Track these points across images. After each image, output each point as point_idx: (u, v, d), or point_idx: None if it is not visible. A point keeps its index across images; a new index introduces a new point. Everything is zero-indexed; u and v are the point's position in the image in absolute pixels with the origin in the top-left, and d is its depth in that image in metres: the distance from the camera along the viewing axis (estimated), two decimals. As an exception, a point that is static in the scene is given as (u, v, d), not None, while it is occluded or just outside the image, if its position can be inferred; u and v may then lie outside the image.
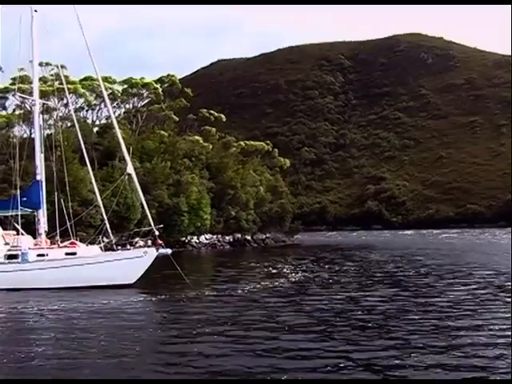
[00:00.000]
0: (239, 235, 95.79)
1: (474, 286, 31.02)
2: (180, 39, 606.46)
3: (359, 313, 23.13)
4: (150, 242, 35.59)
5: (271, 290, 31.57)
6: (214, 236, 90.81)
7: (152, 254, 34.20)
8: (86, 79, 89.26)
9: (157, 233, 34.73)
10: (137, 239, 37.06)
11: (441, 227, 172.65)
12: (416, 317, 21.75)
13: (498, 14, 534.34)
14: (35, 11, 37.87)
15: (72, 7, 37.16)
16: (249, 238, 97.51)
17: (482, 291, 29.04)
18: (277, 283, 34.35)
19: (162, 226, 36.94)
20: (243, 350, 16.98)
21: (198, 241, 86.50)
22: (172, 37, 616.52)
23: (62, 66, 44.15)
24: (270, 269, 45.72)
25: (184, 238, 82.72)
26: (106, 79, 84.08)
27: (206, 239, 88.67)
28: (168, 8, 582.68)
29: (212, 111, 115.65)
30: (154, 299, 29.56)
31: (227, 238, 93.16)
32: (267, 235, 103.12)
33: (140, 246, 35.23)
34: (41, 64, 64.46)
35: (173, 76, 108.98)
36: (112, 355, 16.38)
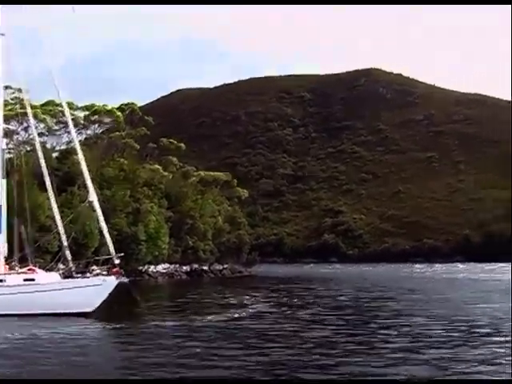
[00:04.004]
0: (196, 265, 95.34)
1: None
2: (141, 66, 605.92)
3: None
4: (105, 271, 35.23)
5: (228, 321, 31.55)
6: (172, 266, 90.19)
7: (112, 282, 33.92)
8: (47, 104, 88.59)
9: (117, 261, 34.49)
10: (93, 267, 36.73)
11: (397, 261, 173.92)
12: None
13: (458, 53, 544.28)
14: (2, 35, 37.60)
15: (36, 30, 37.01)
16: (206, 268, 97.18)
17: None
18: (236, 315, 34.31)
19: (122, 254, 36.65)
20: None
21: (155, 270, 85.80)
22: (133, 64, 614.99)
23: (25, 90, 43.52)
24: (228, 300, 45.69)
25: (141, 267, 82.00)
26: (68, 105, 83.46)
27: (164, 269, 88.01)
28: (130, 33, 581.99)
29: (172, 140, 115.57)
30: (111, 328, 29.33)
31: (184, 267, 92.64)
32: (224, 266, 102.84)
33: (99, 274, 34.89)
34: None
35: (133, 104, 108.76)
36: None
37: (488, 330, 28.05)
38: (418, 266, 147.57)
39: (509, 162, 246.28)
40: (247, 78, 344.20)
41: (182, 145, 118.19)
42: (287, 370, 18.54)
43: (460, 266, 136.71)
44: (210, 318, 32.41)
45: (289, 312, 36.41)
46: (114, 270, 34.51)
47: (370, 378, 13.68)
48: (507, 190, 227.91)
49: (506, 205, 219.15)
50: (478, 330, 28.12)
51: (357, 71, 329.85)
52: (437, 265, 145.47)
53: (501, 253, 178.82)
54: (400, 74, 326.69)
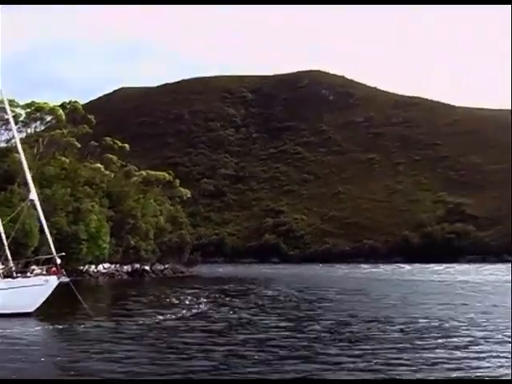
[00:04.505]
0: (138, 265, 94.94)
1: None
2: (85, 63, 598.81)
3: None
4: (45, 270, 34.95)
5: (169, 321, 31.69)
6: (113, 265, 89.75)
7: (53, 282, 33.68)
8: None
9: (58, 261, 34.24)
10: (33, 267, 36.39)
11: (337, 261, 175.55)
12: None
13: (398, 56, 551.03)
14: None
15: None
16: (147, 268, 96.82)
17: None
18: (175, 315, 34.44)
19: (63, 253, 36.39)
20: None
21: (96, 270, 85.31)
22: (78, 60, 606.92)
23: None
24: (169, 300, 45.79)
25: (82, 267, 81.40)
26: (8, 102, 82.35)
27: (104, 268, 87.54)
28: (75, 31, 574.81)
29: (116, 140, 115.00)
30: (52, 328, 29.16)
31: (125, 267, 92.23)
32: (166, 266, 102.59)
33: (40, 274, 34.58)
34: None
35: (75, 102, 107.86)
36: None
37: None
38: (364, 265, 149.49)
39: (445, 164, 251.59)
40: (189, 77, 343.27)
41: (126, 145, 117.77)
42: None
43: (407, 266, 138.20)
44: (144, 319, 32.44)
45: (231, 312, 36.61)
46: (54, 269, 34.24)
47: (369, 378, 13.91)
48: (444, 192, 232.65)
49: (444, 206, 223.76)
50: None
51: (299, 72, 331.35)
52: (381, 266, 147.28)
53: (440, 253, 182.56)
54: (343, 76, 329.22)
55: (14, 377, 17.52)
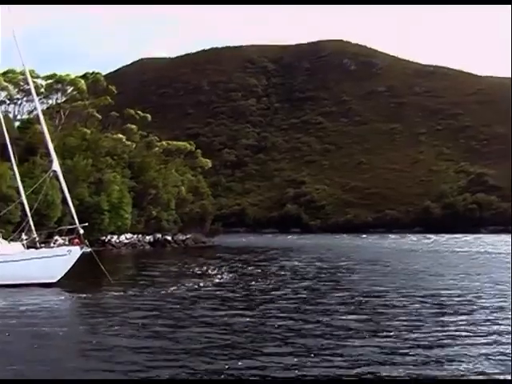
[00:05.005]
0: (160, 235, 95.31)
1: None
2: (103, 36, 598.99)
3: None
4: (67, 241, 35.10)
5: (195, 290, 31.80)
6: (135, 236, 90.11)
7: (76, 252, 33.82)
8: (8, 72, 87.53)
9: (81, 231, 34.37)
10: (56, 237, 36.50)
11: (359, 231, 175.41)
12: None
13: (422, 25, 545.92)
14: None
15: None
16: (169, 238, 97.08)
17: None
18: (201, 284, 34.57)
19: (86, 224, 36.49)
20: (165, 348, 17.22)
21: (118, 240, 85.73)
22: (95, 33, 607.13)
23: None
24: (193, 270, 45.97)
25: (104, 237, 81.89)
26: (30, 73, 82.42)
27: (127, 239, 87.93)
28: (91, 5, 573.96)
29: (138, 111, 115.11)
30: (75, 298, 29.35)
31: (147, 237, 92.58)
32: (187, 236, 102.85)
33: (63, 245, 34.74)
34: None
35: (97, 73, 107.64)
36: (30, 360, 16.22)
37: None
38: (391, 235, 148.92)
39: (467, 134, 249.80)
40: (209, 47, 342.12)
41: (148, 115, 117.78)
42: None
43: (433, 236, 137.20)
44: (173, 288, 32.59)
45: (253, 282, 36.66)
46: (76, 240, 34.38)
47: (370, 378, 13.87)
48: (466, 162, 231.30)
49: (466, 176, 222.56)
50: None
51: (321, 42, 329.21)
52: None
53: (461, 224, 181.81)
54: (364, 46, 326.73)
55: (36, 346, 17.70)
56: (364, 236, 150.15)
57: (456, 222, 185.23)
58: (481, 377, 13.80)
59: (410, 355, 16.23)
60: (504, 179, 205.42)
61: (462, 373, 14.38)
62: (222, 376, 14.29)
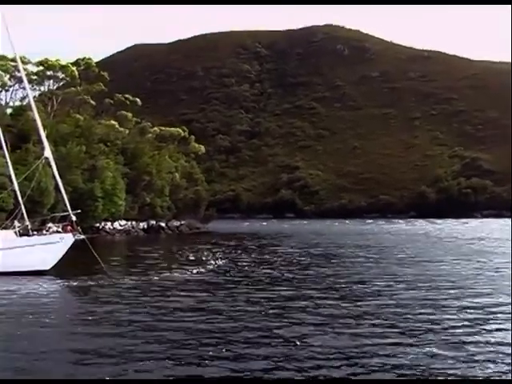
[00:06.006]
0: (153, 222, 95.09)
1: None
2: (96, 23, 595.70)
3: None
4: (61, 228, 34.89)
5: (188, 276, 31.69)
6: (129, 222, 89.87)
7: (69, 240, 33.60)
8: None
9: (74, 218, 34.13)
10: (49, 224, 36.34)
11: (353, 217, 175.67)
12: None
13: (416, 10, 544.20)
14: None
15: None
16: (163, 224, 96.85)
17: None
18: (194, 270, 34.44)
19: (79, 211, 36.23)
20: (158, 338, 17.09)
21: (112, 227, 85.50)
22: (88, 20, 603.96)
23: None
24: (186, 256, 45.85)
25: (98, 224, 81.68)
26: (21, 60, 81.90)
27: (120, 225, 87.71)
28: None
29: (127, 95, 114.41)
30: (69, 285, 29.17)
31: (141, 224, 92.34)
32: (182, 222, 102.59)
33: (56, 232, 34.51)
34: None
35: (89, 59, 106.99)
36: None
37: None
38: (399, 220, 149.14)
39: (461, 118, 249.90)
40: (202, 33, 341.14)
41: (138, 99, 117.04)
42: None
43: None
44: (167, 274, 32.50)
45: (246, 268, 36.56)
46: (69, 227, 34.15)
47: (369, 378, 13.74)
48: (460, 147, 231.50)
49: (460, 161, 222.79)
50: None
51: (314, 27, 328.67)
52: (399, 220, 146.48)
53: (456, 209, 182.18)
54: (358, 31, 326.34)
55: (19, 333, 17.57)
56: (370, 221, 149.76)
57: (451, 207, 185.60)
58: (481, 375, 13.69)
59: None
60: (498, 164, 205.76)
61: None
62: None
